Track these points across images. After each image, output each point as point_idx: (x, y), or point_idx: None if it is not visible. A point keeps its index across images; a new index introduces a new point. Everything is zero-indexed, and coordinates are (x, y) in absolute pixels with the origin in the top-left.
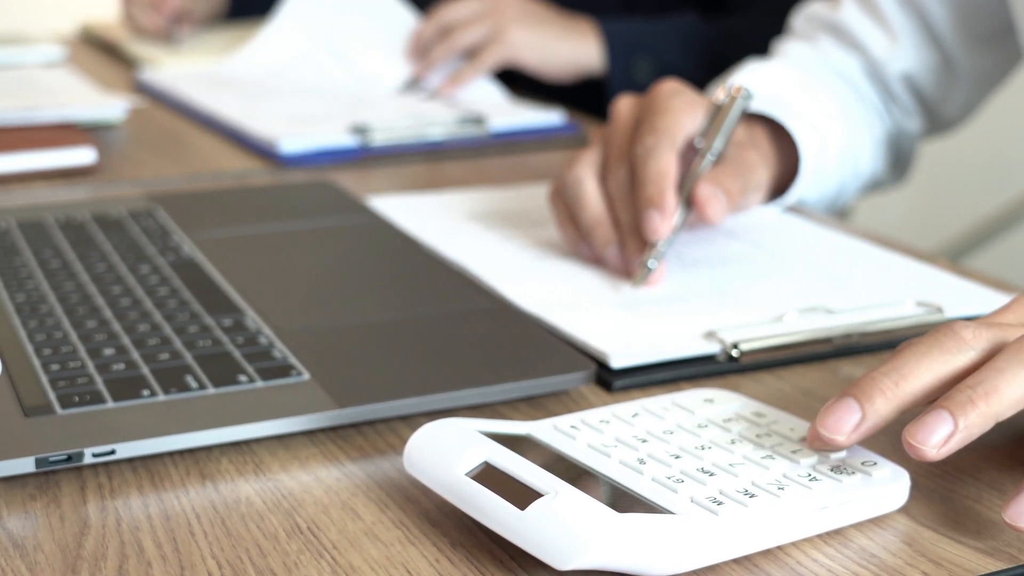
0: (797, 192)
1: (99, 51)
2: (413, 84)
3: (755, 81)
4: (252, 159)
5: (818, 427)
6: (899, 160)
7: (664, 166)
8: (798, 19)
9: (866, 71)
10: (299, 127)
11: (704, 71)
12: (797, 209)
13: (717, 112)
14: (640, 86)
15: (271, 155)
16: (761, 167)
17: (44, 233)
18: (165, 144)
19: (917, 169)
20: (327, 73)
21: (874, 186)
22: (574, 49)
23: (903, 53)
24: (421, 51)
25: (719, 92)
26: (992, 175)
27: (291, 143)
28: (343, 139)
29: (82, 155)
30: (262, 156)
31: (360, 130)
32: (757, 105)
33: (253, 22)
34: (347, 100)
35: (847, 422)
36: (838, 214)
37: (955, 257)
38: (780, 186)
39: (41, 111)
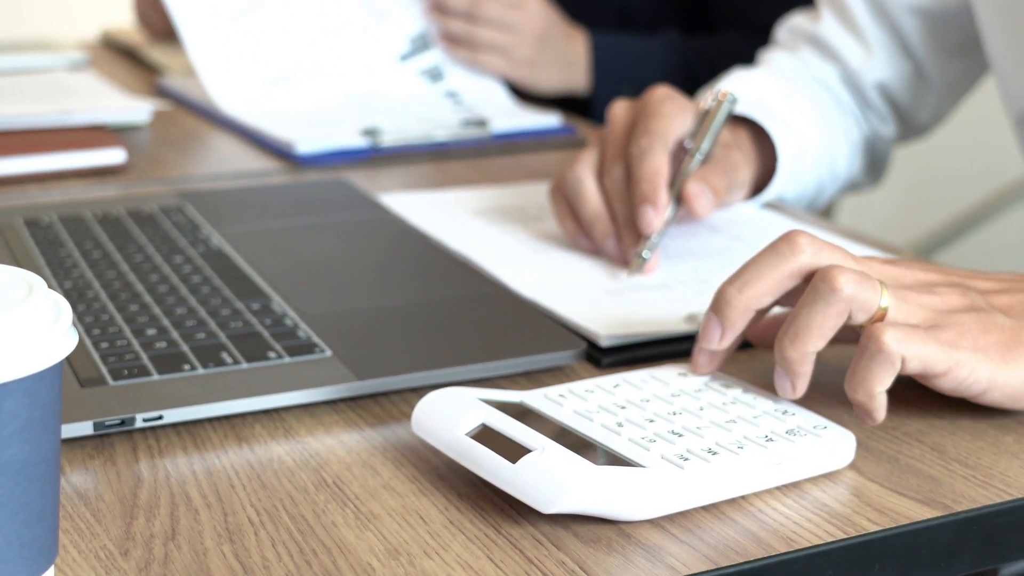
0: (775, 190)
1: (119, 56)
2: (419, 44)
3: (741, 87)
4: (270, 159)
5: (700, 343)
6: (875, 163)
7: (657, 165)
8: (781, 31)
9: (844, 79)
10: (314, 129)
11: (678, 87)
12: (775, 206)
13: (705, 116)
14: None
15: (288, 155)
16: (744, 167)
17: (84, 227)
18: (188, 145)
19: (900, 174)
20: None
21: (851, 187)
22: (566, 79)
23: (878, 63)
24: (438, 5)
25: (707, 97)
26: (965, 178)
27: (307, 144)
28: (355, 140)
29: (113, 155)
30: (280, 156)
31: (371, 132)
32: (741, 109)
33: None
34: (357, 104)
35: (715, 334)
36: (818, 213)
37: (929, 252)
38: (760, 184)
39: (73, 114)
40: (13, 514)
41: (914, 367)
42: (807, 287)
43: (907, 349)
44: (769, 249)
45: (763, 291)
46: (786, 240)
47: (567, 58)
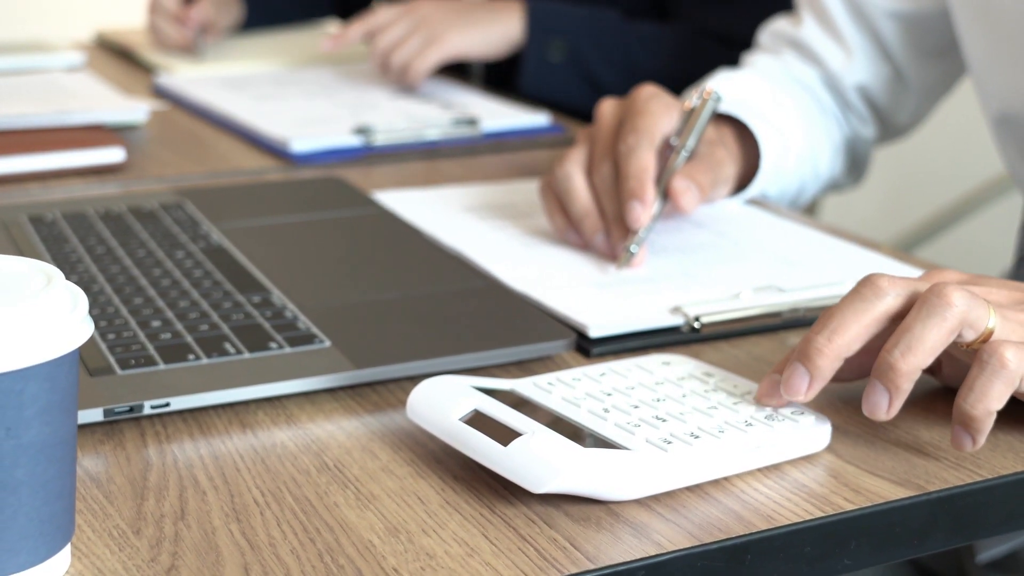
0: (758, 186)
1: (114, 56)
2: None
3: (726, 88)
4: (266, 158)
5: (782, 391)
6: (856, 164)
7: (644, 162)
8: (764, 35)
9: (825, 82)
10: (308, 128)
11: (605, 61)
12: (758, 202)
13: (690, 114)
14: (552, 63)
15: (283, 154)
16: (728, 163)
17: (87, 223)
18: (185, 144)
19: (881, 174)
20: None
21: (832, 187)
22: (505, 29)
23: (858, 66)
24: (342, 43)
25: (692, 96)
26: (944, 178)
27: (301, 143)
28: (348, 139)
29: (112, 154)
30: (275, 155)
31: (363, 131)
32: (726, 108)
33: (265, 32)
34: (350, 103)
35: (801, 384)
36: (802, 210)
37: (909, 248)
38: (744, 181)
39: (73, 114)
40: (34, 492)
41: None
42: (917, 302)
43: None
44: (852, 295)
45: (852, 338)
46: (868, 284)
47: (491, 7)
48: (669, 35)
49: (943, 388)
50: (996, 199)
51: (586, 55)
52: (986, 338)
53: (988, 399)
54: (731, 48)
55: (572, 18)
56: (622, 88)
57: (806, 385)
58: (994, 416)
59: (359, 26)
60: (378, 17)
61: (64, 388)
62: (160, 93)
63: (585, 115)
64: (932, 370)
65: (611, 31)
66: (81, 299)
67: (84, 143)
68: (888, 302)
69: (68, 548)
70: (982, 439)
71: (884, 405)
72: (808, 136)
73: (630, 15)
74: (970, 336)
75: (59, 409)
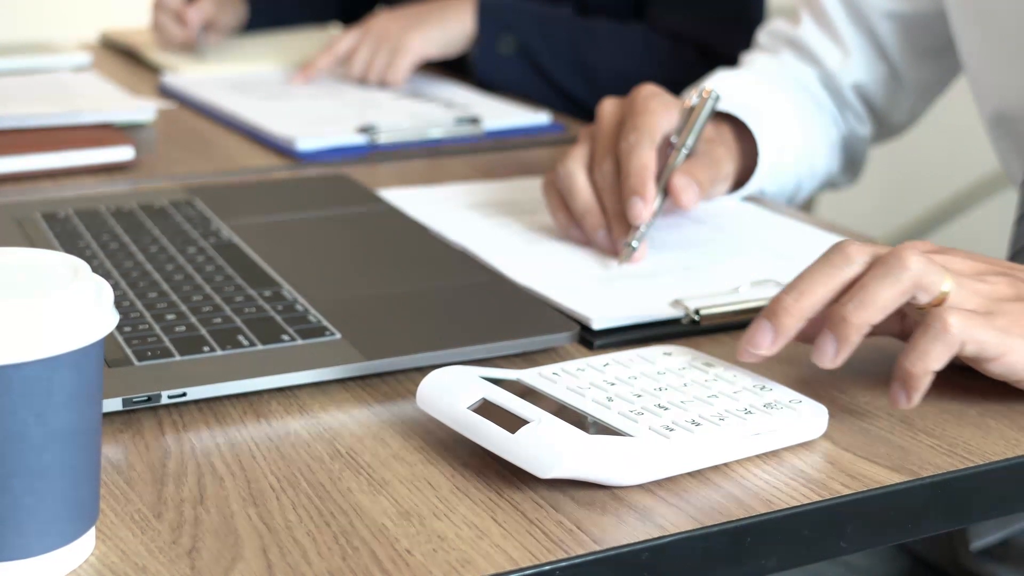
0: (755, 184)
1: (119, 57)
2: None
3: (725, 86)
4: (272, 156)
5: (744, 345)
6: (852, 162)
7: (645, 160)
8: (762, 35)
9: (822, 81)
10: (313, 127)
11: (554, 56)
12: (756, 199)
13: (690, 112)
14: (503, 56)
15: (289, 152)
16: (727, 161)
17: (100, 220)
18: (193, 143)
19: (877, 171)
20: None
21: (829, 185)
22: (461, 26)
23: (855, 65)
24: (311, 75)
25: (691, 95)
26: (938, 176)
27: (307, 142)
28: (353, 138)
29: (122, 153)
30: (281, 153)
31: (368, 130)
32: (725, 106)
33: (269, 33)
34: (354, 103)
35: (765, 339)
36: (798, 207)
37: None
38: (742, 178)
39: (82, 114)
40: (62, 476)
41: (970, 351)
42: (876, 262)
43: (968, 334)
44: (822, 260)
45: (817, 300)
46: (838, 251)
47: (445, 6)
48: (621, 33)
49: (937, 379)
50: (990, 196)
51: (536, 50)
52: (939, 302)
53: (928, 359)
54: (683, 47)
55: (521, 13)
56: (574, 83)
57: (770, 340)
58: (932, 376)
59: (326, 56)
60: (341, 44)
61: (90, 376)
62: (166, 93)
63: (540, 104)
64: (897, 333)
65: (561, 27)
66: (106, 290)
67: (94, 142)
68: (855, 269)
69: (93, 531)
70: (917, 397)
71: (831, 353)
72: (805, 134)
73: (608, 15)
74: (924, 299)
75: (85, 397)
